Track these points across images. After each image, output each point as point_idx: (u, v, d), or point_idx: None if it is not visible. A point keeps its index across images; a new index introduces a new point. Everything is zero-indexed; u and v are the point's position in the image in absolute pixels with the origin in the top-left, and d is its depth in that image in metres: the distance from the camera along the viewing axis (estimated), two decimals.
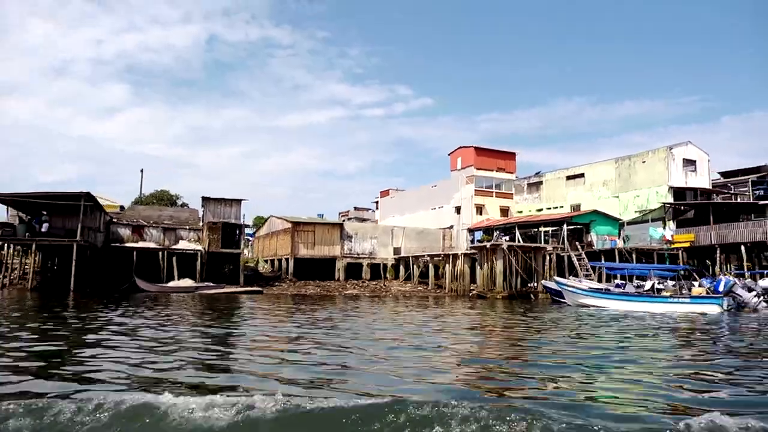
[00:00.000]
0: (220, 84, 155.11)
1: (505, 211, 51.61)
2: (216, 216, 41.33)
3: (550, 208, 52.22)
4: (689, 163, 45.45)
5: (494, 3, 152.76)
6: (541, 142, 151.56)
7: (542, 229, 45.25)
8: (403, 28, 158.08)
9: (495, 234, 45.30)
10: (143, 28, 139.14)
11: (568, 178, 51.79)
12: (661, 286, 21.73)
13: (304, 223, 47.41)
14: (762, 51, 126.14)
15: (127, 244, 38.16)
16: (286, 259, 46.50)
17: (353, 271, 48.10)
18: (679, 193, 43.84)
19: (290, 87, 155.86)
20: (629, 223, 44.00)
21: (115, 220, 40.62)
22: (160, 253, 37.69)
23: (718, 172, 55.18)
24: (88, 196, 30.66)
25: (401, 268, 47.74)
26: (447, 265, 40.82)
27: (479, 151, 51.18)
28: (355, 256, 48.33)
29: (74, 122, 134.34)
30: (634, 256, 37.27)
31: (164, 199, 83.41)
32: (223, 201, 41.86)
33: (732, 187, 51.64)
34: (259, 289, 37.32)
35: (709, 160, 46.47)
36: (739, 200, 48.44)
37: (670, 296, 20.50)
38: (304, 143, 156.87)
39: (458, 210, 51.74)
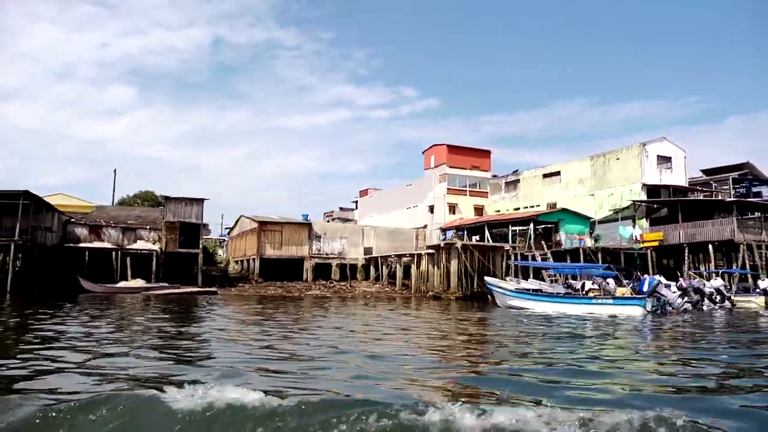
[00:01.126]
0: (225, 86, 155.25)
1: (479, 210, 50.56)
2: (176, 215, 40.59)
3: (527, 207, 51.09)
4: (664, 159, 44.21)
5: (495, 3, 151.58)
6: (543, 144, 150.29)
7: (512, 228, 44.11)
8: (405, 28, 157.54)
9: (462, 233, 44.24)
10: (147, 31, 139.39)
11: (545, 176, 50.67)
12: (595, 286, 20.66)
13: (271, 223, 46.60)
14: (762, 51, 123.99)
15: (81, 245, 37.48)
16: (253, 260, 45.75)
17: (322, 271, 47.19)
18: (653, 190, 42.63)
19: (294, 88, 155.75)
20: (600, 221, 42.85)
21: (73, 220, 39.98)
22: (114, 253, 37.00)
23: (701, 170, 53.81)
24: (27, 195, 29.99)
25: (372, 268, 46.83)
26: (412, 266, 39.87)
27: (452, 149, 50.15)
28: (324, 256, 47.44)
29: (77, 125, 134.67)
30: (599, 255, 36.07)
31: (149, 199, 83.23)
32: (184, 200, 41.12)
33: (714, 185, 50.26)
34: (215, 290, 36.52)
35: (685, 157, 45.20)
36: (720, 198, 47.12)
37: (594, 297, 19.42)
38: (306, 145, 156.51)
39: (432, 209, 50.75)
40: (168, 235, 38.84)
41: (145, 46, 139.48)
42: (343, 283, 44.03)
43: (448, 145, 49.92)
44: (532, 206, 50.49)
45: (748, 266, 33.84)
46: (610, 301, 18.79)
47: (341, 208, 78.66)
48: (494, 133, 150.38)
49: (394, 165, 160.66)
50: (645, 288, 18.48)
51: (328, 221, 70.76)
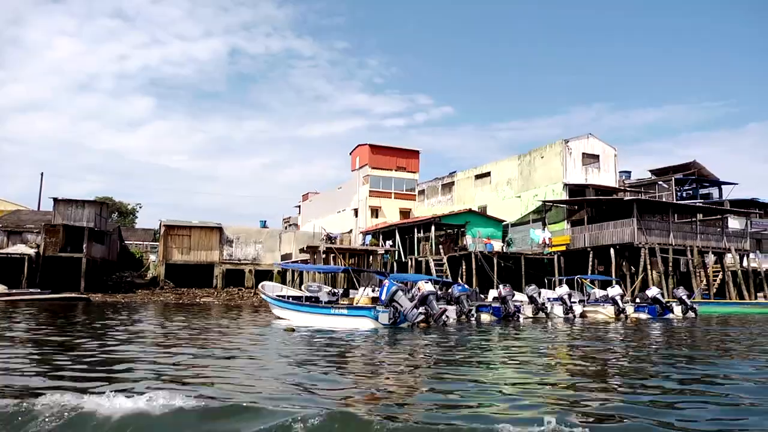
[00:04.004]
0: (243, 96, 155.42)
1: (406, 214, 47.77)
2: (66, 218, 38.83)
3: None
4: (591, 157, 40.91)
5: (510, 12, 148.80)
6: None
7: (433, 232, 41.27)
8: (419, 37, 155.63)
9: (370, 238, 41.58)
10: (166, 43, 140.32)
11: (477, 177, 47.69)
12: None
13: (178, 227, 44.63)
14: None
15: None
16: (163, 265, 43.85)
17: (234, 278, 44.99)
18: (576, 191, 39.35)
19: (310, 97, 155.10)
20: (514, 224, 39.80)
21: None
22: None
23: (649, 170, 50.27)
24: None
25: (288, 275, 44.41)
26: None
27: (375, 149, 47.54)
28: (236, 262, 45.26)
29: (99, 136, 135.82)
30: (494, 260, 33.05)
31: (107, 205, 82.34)
32: (74, 203, 39.37)
33: (658, 186, 46.69)
34: (85, 296, 34.48)
35: (615, 155, 41.80)
36: (664, 200, 43.58)
37: (330, 307, 16.55)
38: (324, 153, 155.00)
39: (356, 213, 48.18)
40: (48, 239, 37.04)
41: (163, 57, 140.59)
42: (240, 290, 41.89)
43: (370, 145, 47.36)
44: (468, 209, 47.54)
45: (649, 270, 30.56)
46: (345, 311, 15.97)
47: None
48: (511, 139, 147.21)
49: None
50: (383, 295, 15.60)
51: (285, 227, 68.66)
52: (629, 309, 22.35)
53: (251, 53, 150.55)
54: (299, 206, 62.97)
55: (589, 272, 32.75)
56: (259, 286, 20.61)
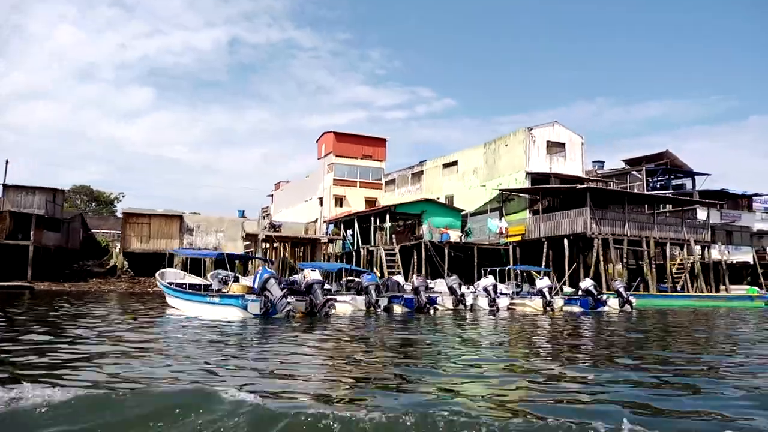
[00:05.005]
0: (243, 87, 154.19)
1: (372, 203, 46.74)
2: (15, 205, 37.98)
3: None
4: (557, 146, 39.77)
5: (512, 7, 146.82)
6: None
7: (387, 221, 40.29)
8: (421, 32, 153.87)
9: (332, 228, 40.64)
10: (166, 32, 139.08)
11: (444, 166, 46.62)
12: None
13: (137, 215, 43.72)
14: None
15: None
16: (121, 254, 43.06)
17: (195, 267, 43.91)
18: (539, 179, 38.22)
19: (313, 89, 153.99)
20: (473, 214, 38.77)
21: None
22: None
23: (623, 160, 49.08)
24: None
25: (250, 263, 43.52)
26: None
27: (339, 136, 46.44)
28: (197, 250, 44.31)
29: (99, 126, 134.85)
30: (446, 251, 32.07)
31: (82, 193, 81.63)
32: (24, 189, 38.51)
33: (628, 176, 45.50)
34: (28, 285, 33.70)
35: (583, 143, 40.62)
36: (636, 191, 42.44)
37: (206, 294, 15.59)
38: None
39: (321, 202, 47.20)
40: None
41: (163, 46, 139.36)
42: None
43: (335, 133, 46.27)
44: (435, 199, 46.50)
45: (602, 262, 29.53)
46: (217, 299, 15.01)
47: None
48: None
49: (409, 165, 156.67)
50: (256, 283, 14.63)
51: (264, 216, 67.77)
52: (558, 302, 21.35)
53: (252, 43, 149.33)
54: (272, 195, 62.05)
55: (543, 263, 31.78)
56: (157, 274, 19.72)
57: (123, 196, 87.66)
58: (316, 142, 49.62)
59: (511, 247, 33.45)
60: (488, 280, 21.47)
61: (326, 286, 20.71)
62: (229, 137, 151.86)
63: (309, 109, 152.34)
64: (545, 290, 20.76)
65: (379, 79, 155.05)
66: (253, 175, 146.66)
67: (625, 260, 30.41)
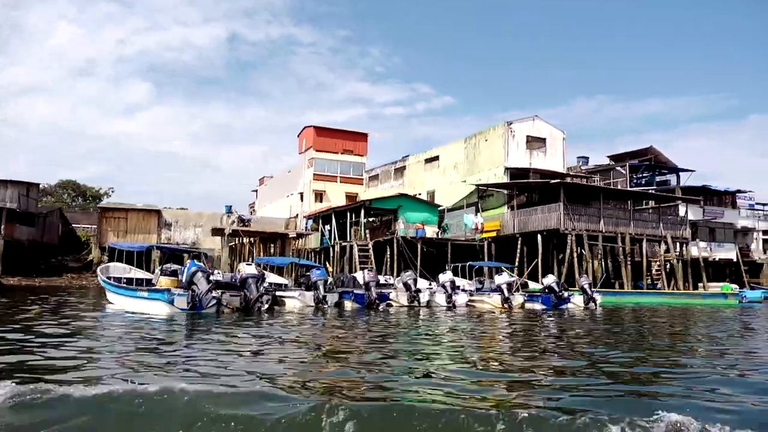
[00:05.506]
0: (242, 83, 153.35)
1: (353, 198, 46.15)
2: None
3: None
4: (537, 141, 39.18)
5: (512, 5, 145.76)
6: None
7: (362, 216, 39.76)
8: (421, 30, 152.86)
9: (311, 223, 40.15)
10: (165, 28, 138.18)
11: (426, 161, 46.04)
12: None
13: (114, 209, 43.32)
14: None
15: None
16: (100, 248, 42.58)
17: (173, 262, 43.53)
18: (517, 175, 37.65)
19: (312, 86, 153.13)
20: (450, 210, 38.24)
21: None
22: None
23: (608, 156, 48.47)
24: None
25: (228, 258, 43.07)
26: None
27: (320, 131, 45.86)
28: (175, 246, 43.82)
29: (97, 121, 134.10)
30: (418, 246, 31.53)
31: (68, 187, 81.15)
32: None
33: (613, 172, 44.95)
34: None
35: (564, 139, 40.02)
36: (620, 187, 41.88)
37: (137, 289, 15.04)
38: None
39: (302, 197, 46.68)
40: None
41: (162, 42, 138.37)
42: None
43: (315, 127, 45.70)
44: (417, 194, 45.93)
45: (575, 258, 28.99)
46: (145, 294, 14.51)
47: None
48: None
49: None
50: (184, 277, 14.13)
51: (251, 212, 67.31)
52: (518, 299, 20.79)
53: (251, 39, 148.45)
54: (257, 190, 61.51)
55: (517, 259, 31.28)
56: (99, 268, 19.22)
57: (112, 191, 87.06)
58: (298, 136, 49.07)
59: (486, 243, 32.90)
60: (446, 276, 20.92)
61: (283, 281, 20.27)
62: (228, 133, 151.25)
63: (308, 105, 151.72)
64: (503, 287, 20.20)
65: (379, 76, 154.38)
66: (253, 172, 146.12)
67: (600, 257, 29.85)
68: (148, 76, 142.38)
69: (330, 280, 19.06)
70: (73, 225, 53.57)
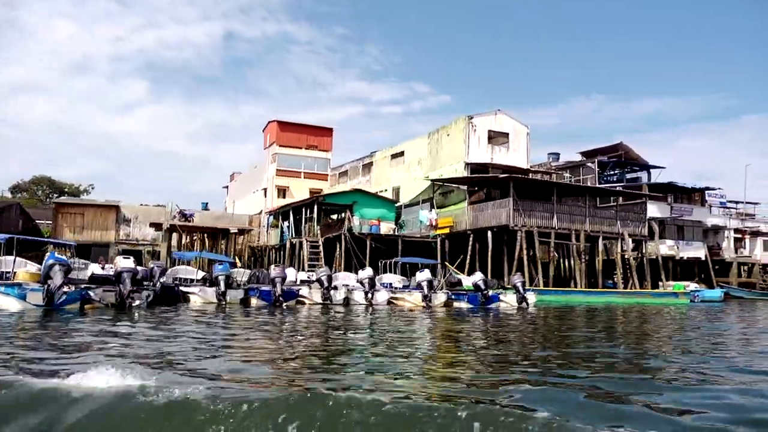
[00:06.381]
0: (240, 82, 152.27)
1: (317, 194, 45.23)
2: None
3: (378, 192, 45.64)
4: (500, 135, 38.25)
5: (513, 5, 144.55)
6: (558, 139, 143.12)
7: (315, 212, 38.82)
8: (419, 29, 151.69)
9: (271, 219, 39.26)
10: (162, 25, 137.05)
11: (392, 157, 45.13)
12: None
13: (70, 204, 42.45)
14: None
15: None
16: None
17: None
18: (478, 170, 36.71)
19: (309, 84, 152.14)
20: (407, 206, 37.33)
21: None
22: None
23: (579, 152, 47.49)
24: None
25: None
26: None
27: (283, 125, 44.90)
28: (134, 242, 42.96)
29: (94, 119, 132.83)
30: (367, 242, 30.62)
31: (42, 184, 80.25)
32: None
33: (583, 169, 43.97)
34: None
35: (528, 133, 39.06)
36: (590, 183, 40.91)
37: None
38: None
39: (266, 193, 45.77)
40: None
41: (160, 39, 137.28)
42: None
43: (278, 122, 44.74)
44: (383, 191, 45.03)
45: (525, 256, 28.05)
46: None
47: None
48: None
49: None
50: (42, 270, 13.21)
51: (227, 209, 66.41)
52: (440, 297, 19.83)
53: (247, 37, 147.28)
54: (227, 187, 60.59)
55: (468, 256, 30.35)
56: None
57: (92, 188, 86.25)
58: (263, 131, 48.10)
59: (439, 239, 31.97)
60: (365, 273, 19.94)
61: (191, 275, 19.34)
62: (227, 132, 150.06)
63: (305, 104, 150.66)
64: (424, 284, 19.22)
65: (376, 74, 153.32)
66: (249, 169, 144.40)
67: (551, 253, 28.90)
68: (146, 74, 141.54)
69: (233, 274, 18.07)
70: (39, 221, 52.68)
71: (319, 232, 32.71)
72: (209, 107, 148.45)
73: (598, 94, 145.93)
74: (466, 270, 29.77)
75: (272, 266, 18.44)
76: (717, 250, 41.53)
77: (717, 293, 33.03)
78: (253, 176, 50.22)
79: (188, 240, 36.93)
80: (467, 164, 36.46)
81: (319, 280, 18.95)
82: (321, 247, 31.76)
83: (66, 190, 78.13)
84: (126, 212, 43.37)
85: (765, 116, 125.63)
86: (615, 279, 31.73)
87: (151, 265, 17.11)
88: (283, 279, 17.44)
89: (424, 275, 19.53)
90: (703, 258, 39.47)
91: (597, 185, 39.64)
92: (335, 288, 19.18)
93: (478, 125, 37.33)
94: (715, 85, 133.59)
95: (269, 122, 46.63)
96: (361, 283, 19.55)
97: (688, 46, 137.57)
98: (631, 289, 30.98)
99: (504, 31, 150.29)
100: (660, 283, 32.88)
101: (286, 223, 39.08)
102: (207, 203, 53.95)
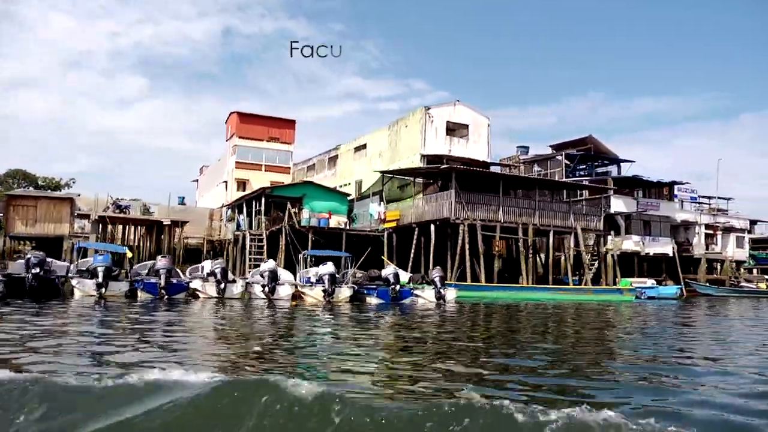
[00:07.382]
0: (237, 77, 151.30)
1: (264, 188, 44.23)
2: None
3: (342, 186, 44.53)
4: (460, 127, 37.09)
5: (513, 4, 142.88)
6: (556, 137, 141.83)
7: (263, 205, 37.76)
8: (417, 27, 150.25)
9: (229, 212, 38.26)
10: (159, 21, 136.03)
11: (356, 150, 44.04)
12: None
13: (22, 197, 41.38)
14: None
15: None
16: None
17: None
18: (435, 162, 35.49)
19: (306, 80, 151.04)
20: (359, 199, 36.23)
21: None
22: None
23: (549, 145, 46.23)
24: None
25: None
26: None
27: (244, 117, 43.81)
28: (88, 236, 41.96)
29: (90, 115, 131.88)
30: (309, 236, 29.54)
31: (17, 177, 79.38)
32: None
33: (550, 162, 42.74)
34: None
35: (489, 125, 37.86)
36: (557, 178, 39.68)
37: None
38: (319, 135, 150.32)
39: (227, 185, 44.75)
40: None
41: (157, 35, 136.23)
42: None
43: (238, 113, 43.67)
44: (346, 184, 43.92)
45: (467, 249, 26.89)
46: None
47: None
48: (504, 126, 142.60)
49: None
50: None
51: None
52: (345, 291, 18.70)
53: (245, 33, 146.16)
54: (197, 180, 59.60)
55: (412, 251, 29.25)
56: None
57: (74, 182, 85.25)
58: (225, 123, 47.06)
59: (386, 234, 30.88)
60: (267, 265, 18.86)
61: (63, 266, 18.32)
62: (224, 129, 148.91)
63: (302, 100, 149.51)
64: (325, 278, 18.11)
65: (373, 71, 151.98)
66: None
67: (497, 248, 27.70)
68: (144, 70, 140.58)
69: (110, 265, 16.98)
70: None
71: (264, 225, 31.65)
72: (206, 103, 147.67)
73: (596, 93, 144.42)
74: (409, 266, 28.71)
75: (158, 257, 17.38)
76: (687, 246, 40.28)
77: (672, 290, 31.78)
78: (217, 169, 49.23)
79: (124, 233, 36.01)
80: (423, 156, 35.35)
81: (212, 273, 17.89)
82: (265, 241, 30.73)
83: (41, 183, 77.22)
84: (81, 205, 42.36)
85: (765, 115, 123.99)
86: (567, 275, 30.63)
87: (28, 256, 16.05)
88: (170, 271, 16.38)
89: (326, 269, 18.41)
90: (671, 254, 38.22)
91: (564, 179, 38.48)
92: (233, 281, 18.11)
93: (435, 116, 36.18)
94: (714, 85, 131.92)
95: (230, 113, 45.58)
96: (262, 275, 18.41)
97: (687, 45, 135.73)
98: (584, 285, 29.81)
99: (504, 31, 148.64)
100: (616, 280, 31.68)
101: (241, 217, 38.10)
102: (184, 197, 53.10)
